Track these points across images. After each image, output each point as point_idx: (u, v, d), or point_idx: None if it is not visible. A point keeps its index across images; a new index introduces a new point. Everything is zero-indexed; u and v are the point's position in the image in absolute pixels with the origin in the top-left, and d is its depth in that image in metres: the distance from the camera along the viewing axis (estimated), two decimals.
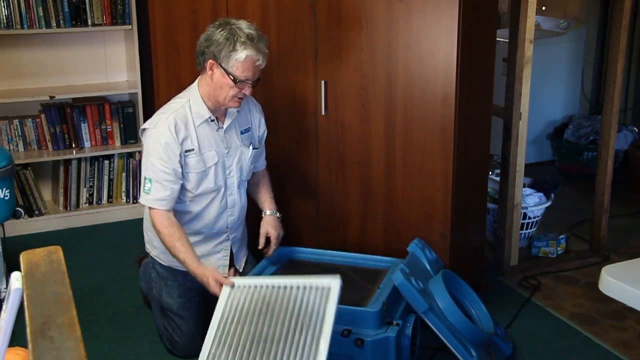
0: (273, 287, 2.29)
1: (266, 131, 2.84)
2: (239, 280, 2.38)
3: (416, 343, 2.54)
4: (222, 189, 2.66)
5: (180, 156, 2.52)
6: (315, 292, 2.22)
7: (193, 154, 2.56)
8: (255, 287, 2.31)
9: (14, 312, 1.13)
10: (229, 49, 2.45)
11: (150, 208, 2.55)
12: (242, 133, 2.71)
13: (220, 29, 2.48)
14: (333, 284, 2.20)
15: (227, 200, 2.69)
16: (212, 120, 2.60)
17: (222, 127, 2.64)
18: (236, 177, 2.69)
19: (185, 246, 2.50)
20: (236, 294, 2.33)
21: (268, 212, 2.80)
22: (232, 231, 2.76)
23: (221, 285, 2.38)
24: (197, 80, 2.62)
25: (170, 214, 2.54)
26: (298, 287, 2.25)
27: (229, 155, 2.65)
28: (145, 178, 2.53)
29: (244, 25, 2.49)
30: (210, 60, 2.50)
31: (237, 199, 2.72)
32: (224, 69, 2.48)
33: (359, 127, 2.90)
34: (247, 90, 2.53)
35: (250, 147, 2.72)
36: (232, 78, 2.47)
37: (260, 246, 2.77)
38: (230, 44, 2.45)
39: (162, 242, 2.55)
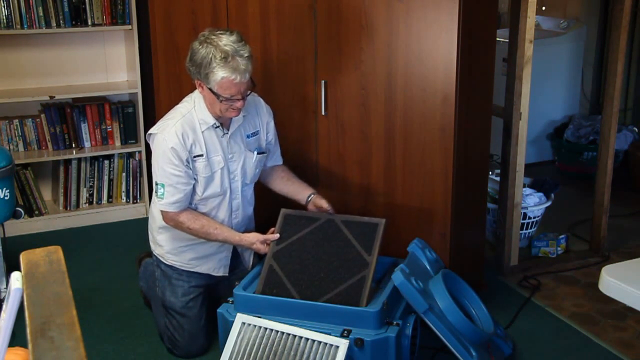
0: (282, 333, 2.31)
1: (276, 132, 2.83)
2: (251, 319, 2.38)
3: (416, 343, 2.54)
4: (228, 193, 2.67)
5: (188, 161, 2.54)
6: (323, 348, 2.25)
7: (202, 159, 2.57)
8: (266, 329, 2.34)
9: (14, 312, 1.13)
10: (205, 71, 2.44)
11: (166, 212, 2.58)
12: (247, 137, 2.70)
13: (200, 46, 2.47)
14: (342, 343, 2.22)
15: (232, 204, 2.70)
16: (216, 127, 2.61)
17: (228, 134, 2.64)
18: (240, 182, 2.70)
19: (218, 229, 2.62)
20: (246, 333, 2.35)
21: (311, 196, 2.76)
22: None
23: (268, 243, 2.59)
24: None
25: (188, 210, 2.60)
26: (307, 339, 2.28)
27: (233, 160, 2.66)
28: (157, 183, 2.57)
29: (222, 42, 2.43)
30: (197, 80, 2.52)
31: (241, 203, 2.73)
32: (209, 88, 2.48)
33: (359, 127, 2.90)
34: (239, 104, 2.51)
35: (255, 152, 2.72)
36: (217, 96, 2.48)
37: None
38: (206, 65, 2.43)
39: (196, 236, 2.63)
